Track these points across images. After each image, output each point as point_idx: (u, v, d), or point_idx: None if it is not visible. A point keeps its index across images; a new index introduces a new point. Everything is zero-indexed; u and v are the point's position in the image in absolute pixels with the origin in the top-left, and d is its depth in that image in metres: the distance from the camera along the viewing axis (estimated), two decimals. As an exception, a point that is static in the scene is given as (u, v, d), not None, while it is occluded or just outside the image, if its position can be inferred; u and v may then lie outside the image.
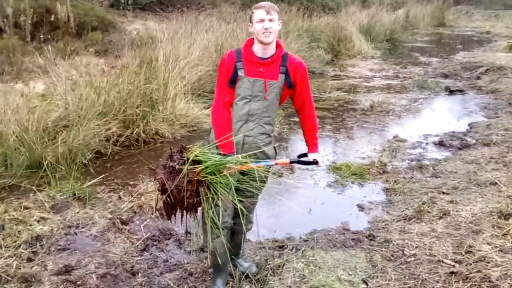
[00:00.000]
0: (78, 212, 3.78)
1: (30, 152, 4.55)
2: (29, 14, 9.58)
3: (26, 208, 3.76)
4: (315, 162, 2.84)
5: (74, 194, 4.02)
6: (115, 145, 5.18)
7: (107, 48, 9.84)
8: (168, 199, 2.33)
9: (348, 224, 3.68)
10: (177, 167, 2.28)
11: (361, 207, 3.98)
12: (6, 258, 3.05)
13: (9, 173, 4.39)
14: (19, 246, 3.20)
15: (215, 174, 2.34)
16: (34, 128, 4.69)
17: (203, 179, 2.32)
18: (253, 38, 2.64)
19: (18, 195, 4.05)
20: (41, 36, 9.91)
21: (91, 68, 7.76)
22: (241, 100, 2.65)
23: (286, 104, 7.21)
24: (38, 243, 3.28)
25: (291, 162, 2.82)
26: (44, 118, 4.88)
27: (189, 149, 2.35)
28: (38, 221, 3.61)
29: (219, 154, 2.48)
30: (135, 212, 3.80)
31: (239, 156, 2.50)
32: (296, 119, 6.46)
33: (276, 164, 2.72)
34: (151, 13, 14.14)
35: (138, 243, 3.34)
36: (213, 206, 2.36)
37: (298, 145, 5.46)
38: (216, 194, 2.35)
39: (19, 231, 3.37)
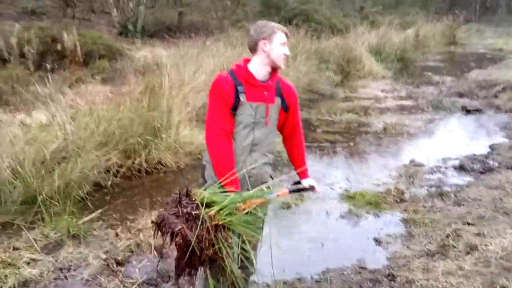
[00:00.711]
0: (71, 252, 3.50)
1: (26, 187, 4.32)
2: (34, 43, 9.56)
3: (15, 248, 3.49)
4: (311, 188, 2.62)
5: (69, 232, 3.76)
6: (116, 176, 4.93)
7: (114, 76, 9.74)
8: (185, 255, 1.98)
9: (364, 262, 3.34)
10: (193, 213, 1.95)
11: (378, 241, 3.64)
12: (-13, 309, 2.78)
13: (3, 210, 4.16)
14: (4, 293, 2.93)
15: (232, 215, 2.05)
16: (31, 161, 4.47)
17: (222, 222, 2.01)
18: (249, 59, 2.39)
19: (10, 233, 3.79)
20: (48, 65, 9.86)
21: (95, 96, 7.60)
22: (244, 129, 2.37)
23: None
24: (25, 289, 3.01)
25: (290, 192, 2.59)
26: (42, 150, 4.67)
27: (195, 192, 2.05)
28: (28, 263, 3.34)
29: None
30: (132, 251, 3.50)
31: (262, 187, 2.31)
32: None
33: (277, 196, 2.44)
34: (160, 40, 14.12)
35: (132, 288, 3.04)
36: (235, 253, 2.05)
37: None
38: (239, 237, 2.07)
39: (6, 276, 3.10)
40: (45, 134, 5.02)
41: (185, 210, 1.94)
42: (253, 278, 3.06)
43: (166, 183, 5.03)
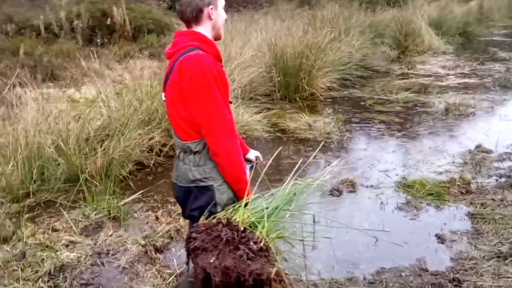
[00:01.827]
0: (110, 235, 3.38)
1: (69, 165, 4.25)
2: (84, 17, 9.58)
3: (55, 230, 3.41)
4: (258, 159, 2.28)
5: (110, 213, 3.64)
6: (159, 156, 4.78)
7: (161, 51, 9.63)
8: None
9: (425, 262, 2.97)
10: (262, 245, 1.55)
11: (441, 239, 3.24)
12: (21, 295, 2.69)
13: (46, 187, 4.12)
14: (40, 278, 2.83)
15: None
16: (75, 138, 4.39)
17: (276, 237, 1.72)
18: (191, 31, 1.91)
19: (52, 212, 3.74)
20: (97, 40, 9.90)
21: (143, 71, 7.50)
22: None
23: (346, 107, 6.54)
24: (61, 274, 2.90)
25: (250, 171, 2.20)
26: (86, 127, 4.58)
27: (231, 218, 1.69)
28: (67, 246, 3.24)
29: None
30: (171, 238, 3.33)
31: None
32: (355, 124, 5.79)
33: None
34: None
35: (170, 279, 2.85)
36: None
37: (357, 153, 4.78)
38: None
39: (42, 259, 3.01)
40: (89, 110, 4.94)
41: (254, 247, 1.53)
42: (297, 275, 2.81)
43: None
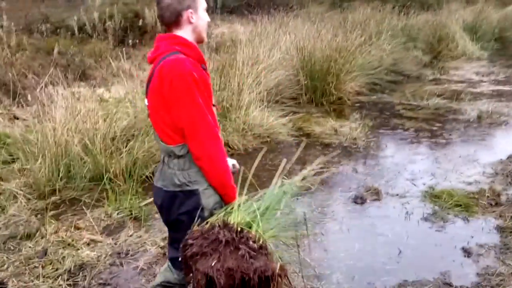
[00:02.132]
0: (131, 235, 3.41)
1: (95, 163, 4.32)
2: (117, 19, 9.75)
3: (77, 228, 3.46)
4: (235, 167, 2.15)
5: (131, 213, 3.68)
6: (182, 157, 4.80)
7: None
8: None
9: (450, 276, 2.86)
10: (261, 243, 1.54)
11: (467, 252, 3.11)
12: (41, 292, 2.73)
13: (72, 185, 4.19)
14: (59, 276, 2.87)
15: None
16: (102, 137, 4.46)
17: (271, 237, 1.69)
18: (171, 35, 1.87)
19: (76, 210, 3.80)
20: (129, 41, 10.06)
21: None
22: None
23: (374, 113, 6.41)
24: (80, 272, 2.94)
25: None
26: (113, 126, 4.65)
27: (227, 220, 1.65)
28: (88, 244, 3.29)
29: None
30: (190, 240, 3.33)
31: None
32: (382, 131, 5.67)
33: None
34: (239, 16, 13.95)
35: (187, 282, 2.84)
36: None
37: (383, 160, 4.68)
38: None
39: (63, 257, 3.06)
40: (116, 110, 5.02)
41: (254, 246, 1.49)
42: (316, 284, 2.75)
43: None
